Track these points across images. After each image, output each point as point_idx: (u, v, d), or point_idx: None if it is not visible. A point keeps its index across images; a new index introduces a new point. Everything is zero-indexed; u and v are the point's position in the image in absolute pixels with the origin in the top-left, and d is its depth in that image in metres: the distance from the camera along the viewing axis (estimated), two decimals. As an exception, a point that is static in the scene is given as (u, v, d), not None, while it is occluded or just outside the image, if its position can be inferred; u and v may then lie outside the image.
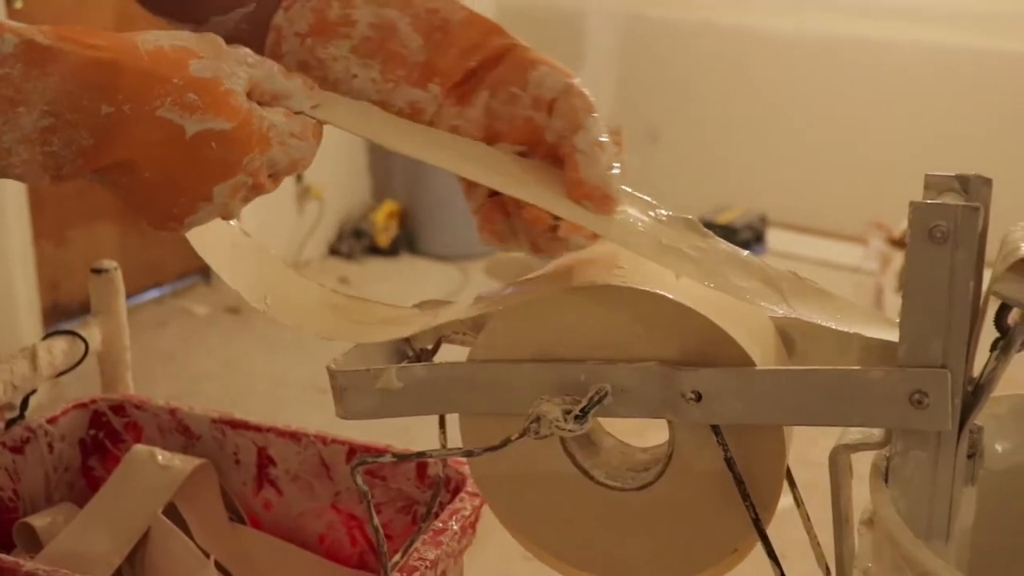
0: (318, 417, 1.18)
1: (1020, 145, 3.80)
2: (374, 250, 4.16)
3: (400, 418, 0.71)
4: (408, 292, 3.36)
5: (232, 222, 0.75)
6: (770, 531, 0.67)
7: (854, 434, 0.68)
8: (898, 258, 3.28)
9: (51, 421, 1.04)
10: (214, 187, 0.63)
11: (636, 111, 4.52)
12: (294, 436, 1.00)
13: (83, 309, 3.87)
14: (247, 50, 0.65)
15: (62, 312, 3.87)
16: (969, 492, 0.69)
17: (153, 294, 3.77)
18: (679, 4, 4.45)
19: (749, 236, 3.94)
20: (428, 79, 0.70)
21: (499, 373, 0.69)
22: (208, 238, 0.75)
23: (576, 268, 0.70)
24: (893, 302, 3.06)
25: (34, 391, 1.05)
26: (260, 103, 0.65)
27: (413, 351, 0.77)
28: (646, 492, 0.69)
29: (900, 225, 3.17)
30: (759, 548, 0.67)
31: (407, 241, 4.21)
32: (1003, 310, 0.62)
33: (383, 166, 4.27)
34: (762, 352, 0.66)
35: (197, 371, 3.24)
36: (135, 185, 0.62)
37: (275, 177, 0.66)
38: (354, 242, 4.17)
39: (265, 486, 1.02)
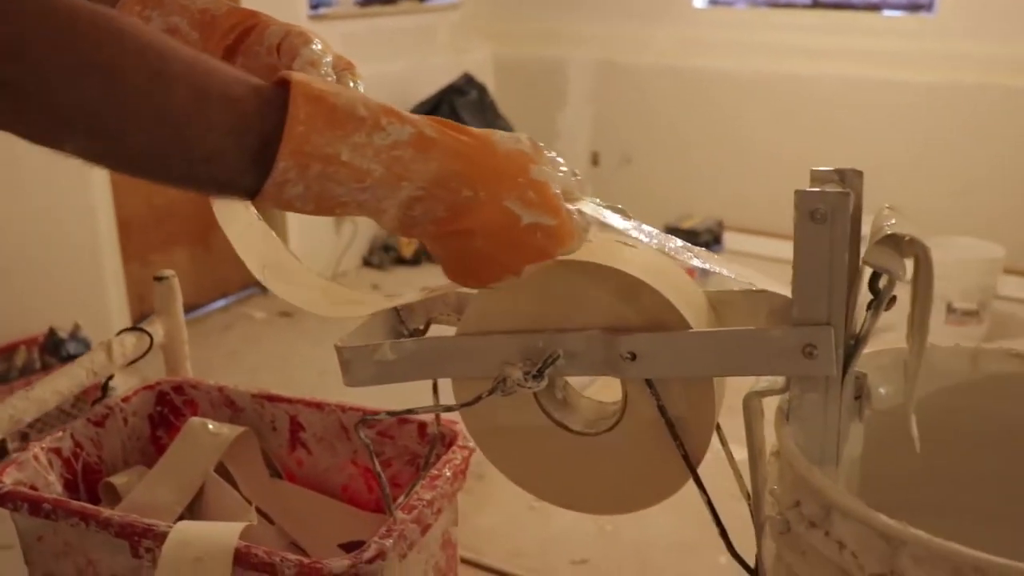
0: (351, 397, 1.18)
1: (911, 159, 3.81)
2: (400, 261, 4.15)
3: (402, 389, 0.71)
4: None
5: (250, 208, 0.75)
6: (706, 471, 0.68)
7: (763, 382, 0.68)
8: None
9: (125, 400, 1.05)
10: (526, 266, 0.62)
11: (612, 140, 4.52)
12: (319, 406, 1.00)
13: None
14: (556, 155, 0.65)
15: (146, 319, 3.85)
16: (857, 427, 0.69)
17: (220, 303, 3.78)
18: (644, 51, 4.45)
19: (709, 238, 3.93)
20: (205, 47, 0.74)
21: (473, 344, 0.70)
22: (230, 217, 0.75)
23: None
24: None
25: (111, 377, 1.06)
26: None
27: (408, 330, 0.77)
28: (605, 437, 0.69)
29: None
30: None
31: (428, 253, 4.20)
32: (875, 277, 0.63)
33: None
34: (695, 317, 0.66)
35: (255, 364, 3.25)
36: (466, 251, 0.62)
37: None
38: (383, 255, 4.17)
39: (297, 447, 1.02)
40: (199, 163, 0.55)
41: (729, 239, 4.06)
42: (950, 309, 3.08)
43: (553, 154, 0.64)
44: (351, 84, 0.75)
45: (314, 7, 4.12)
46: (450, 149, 0.59)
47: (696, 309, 0.67)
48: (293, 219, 3.75)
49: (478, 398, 0.68)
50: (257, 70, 0.71)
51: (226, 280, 3.84)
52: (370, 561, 0.74)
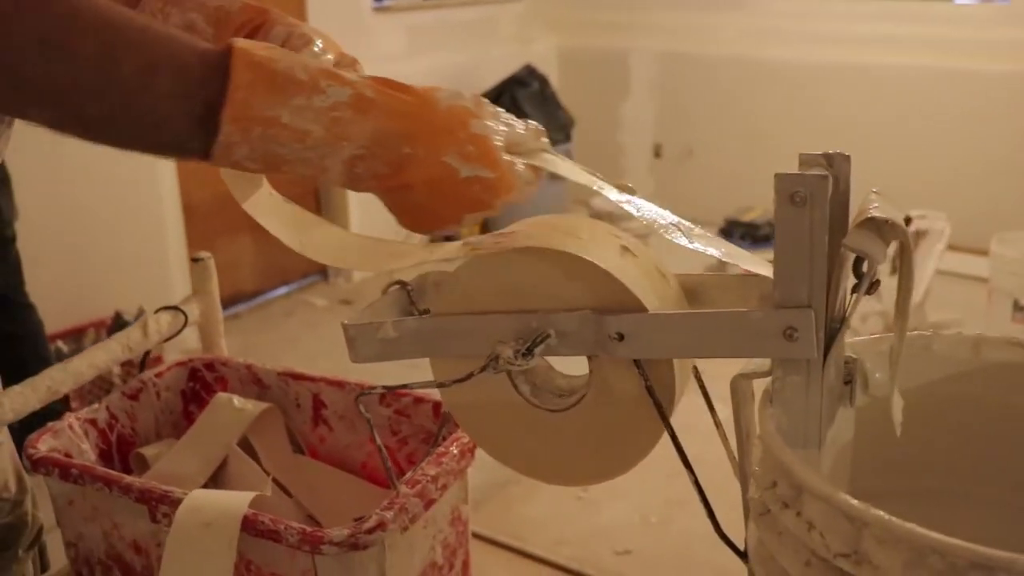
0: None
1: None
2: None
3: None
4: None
5: (271, 192, 0.79)
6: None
7: (751, 365, 0.69)
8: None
9: (158, 375, 1.09)
10: (465, 215, 0.66)
11: (674, 131, 4.49)
12: (340, 384, 1.03)
13: (229, 302, 4.00)
14: (501, 110, 0.68)
15: (212, 305, 3.94)
16: (847, 412, 0.70)
17: (282, 290, 3.86)
18: (708, 41, 4.41)
19: (769, 231, 3.89)
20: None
21: (471, 323, 0.71)
22: (259, 207, 0.78)
23: (539, 232, 0.71)
24: (887, 283, 2.96)
25: (148, 353, 1.11)
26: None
27: (417, 310, 0.79)
28: (572, 412, 0.71)
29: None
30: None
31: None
32: (859, 260, 0.63)
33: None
34: (659, 304, 0.67)
35: (315, 350, 3.31)
36: (408, 203, 0.65)
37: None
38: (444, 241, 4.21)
39: (319, 424, 1.05)
40: (150, 128, 0.59)
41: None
42: (1017, 307, 3.00)
43: (500, 110, 0.67)
44: None
45: (378, 0, 4.17)
46: (389, 108, 0.62)
47: (661, 297, 0.68)
48: (355, 208, 3.82)
49: (470, 375, 0.70)
50: None
51: (288, 268, 3.92)
52: (369, 531, 0.76)
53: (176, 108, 0.59)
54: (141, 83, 0.58)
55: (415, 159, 0.62)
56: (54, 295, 2.96)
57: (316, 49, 0.75)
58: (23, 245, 2.74)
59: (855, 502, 0.55)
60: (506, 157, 0.65)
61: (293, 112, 0.60)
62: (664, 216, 0.71)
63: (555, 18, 4.86)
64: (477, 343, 0.71)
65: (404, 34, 4.26)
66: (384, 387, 0.73)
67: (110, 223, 3.17)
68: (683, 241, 0.69)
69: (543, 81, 4.39)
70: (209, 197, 3.56)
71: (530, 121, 0.70)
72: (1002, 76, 3.73)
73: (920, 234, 3.06)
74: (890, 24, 3.98)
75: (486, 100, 0.66)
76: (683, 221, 0.71)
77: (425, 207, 0.65)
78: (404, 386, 0.72)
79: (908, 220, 3.06)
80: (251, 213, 0.79)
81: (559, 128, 4.33)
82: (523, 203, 0.68)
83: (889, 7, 4.05)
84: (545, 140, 0.70)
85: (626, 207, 0.71)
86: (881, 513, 0.54)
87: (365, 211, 3.75)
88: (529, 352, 0.68)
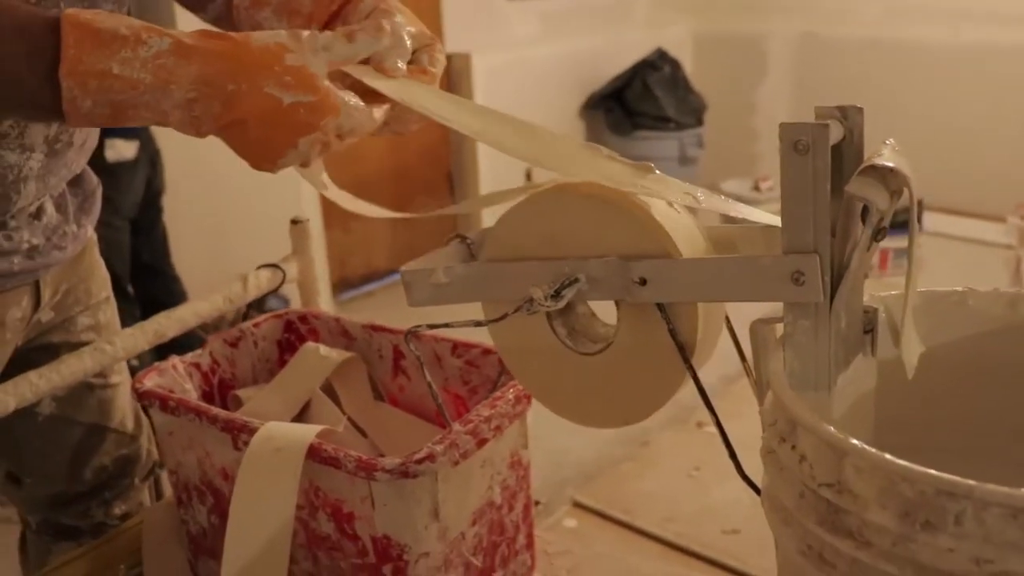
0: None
1: None
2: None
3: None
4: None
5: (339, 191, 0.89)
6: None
7: (768, 310, 0.71)
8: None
9: (256, 326, 1.19)
10: (299, 139, 0.73)
11: (811, 116, 4.39)
12: (417, 336, 1.10)
13: (363, 280, 4.16)
14: (326, 33, 0.75)
15: (347, 283, 4.14)
16: (868, 361, 0.72)
17: (413, 269, 4.00)
18: (846, 21, 4.29)
19: (904, 219, 3.76)
20: (311, 22, 0.88)
21: (512, 269, 0.77)
22: (337, 194, 0.89)
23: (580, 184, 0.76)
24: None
25: (250, 304, 1.21)
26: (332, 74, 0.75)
27: (474, 256, 0.85)
28: (603, 356, 0.75)
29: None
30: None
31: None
32: (866, 208, 0.65)
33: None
34: (692, 252, 0.71)
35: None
36: (245, 138, 0.73)
37: (341, 137, 0.76)
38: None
39: (399, 374, 1.12)
40: (10, 88, 0.69)
41: (930, 220, 3.87)
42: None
43: (338, 35, 0.75)
44: (426, 61, 0.83)
45: (511, -14, 4.25)
46: (208, 52, 0.70)
47: (693, 244, 0.72)
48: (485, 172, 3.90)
49: (504, 315, 0.75)
50: None
51: (421, 248, 4.03)
52: (419, 462, 0.83)
53: (24, 67, 0.68)
54: None
55: (240, 93, 0.70)
56: (196, 268, 3.17)
57: (398, 20, 0.82)
58: (169, 219, 2.94)
59: (837, 432, 0.58)
60: (326, 84, 0.73)
61: (122, 63, 0.68)
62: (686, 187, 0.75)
63: (689, 2, 4.82)
64: (517, 287, 0.76)
65: (538, 20, 4.33)
66: (429, 325, 0.79)
67: (250, 203, 3.36)
68: (701, 197, 0.72)
69: (675, 65, 4.37)
70: (347, 178, 3.69)
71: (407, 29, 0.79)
72: None
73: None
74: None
75: (310, 32, 0.74)
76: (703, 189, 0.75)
77: (261, 138, 0.72)
78: (447, 325, 0.78)
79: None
80: (333, 198, 0.88)
81: (691, 112, 4.31)
82: (363, 130, 0.76)
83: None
84: (406, 61, 0.80)
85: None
86: (857, 442, 0.56)
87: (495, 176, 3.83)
88: (558, 295, 0.73)
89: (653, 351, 0.73)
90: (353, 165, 3.73)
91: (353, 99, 0.75)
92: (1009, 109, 3.84)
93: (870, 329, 0.71)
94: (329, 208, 3.67)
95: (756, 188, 4.25)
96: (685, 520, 2.44)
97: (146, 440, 1.27)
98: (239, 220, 3.38)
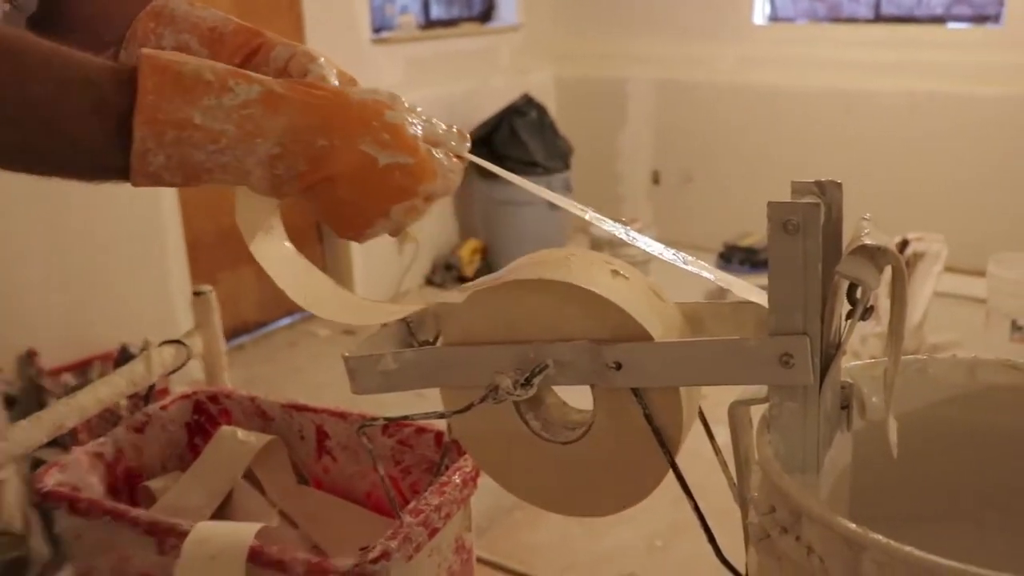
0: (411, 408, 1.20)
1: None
2: (462, 279, 4.20)
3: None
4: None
5: (287, 244, 0.79)
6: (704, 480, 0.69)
7: (748, 392, 0.69)
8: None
9: (164, 408, 1.10)
10: (392, 207, 0.66)
11: (672, 158, 4.52)
12: (342, 415, 1.03)
13: (233, 333, 4.00)
14: (420, 108, 0.69)
15: (215, 337, 3.93)
16: (844, 437, 0.70)
17: (285, 321, 3.87)
18: (704, 69, 4.44)
19: (767, 256, 3.89)
20: (233, 58, 0.77)
21: (469, 354, 0.72)
22: (270, 255, 0.77)
23: (531, 267, 0.72)
24: (884, 305, 2.97)
25: (152, 386, 1.11)
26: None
27: (417, 342, 0.80)
28: (579, 444, 0.71)
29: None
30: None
31: (489, 271, 4.25)
32: (852, 287, 0.63)
33: (467, 210, 4.33)
34: (665, 331, 0.68)
35: (320, 381, 3.31)
36: (333, 201, 0.65)
37: (429, 199, 0.69)
38: (445, 273, 4.23)
39: (323, 455, 1.06)
40: (68, 147, 0.60)
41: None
42: (1015, 327, 3.00)
43: (420, 108, 0.68)
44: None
45: (376, 31, 4.21)
46: (300, 103, 0.62)
47: (667, 324, 0.69)
48: (357, 259, 3.84)
49: (470, 406, 0.70)
50: None
51: (291, 301, 3.93)
52: (374, 561, 0.77)
53: (90, 124, 0.59)
54: (53, 104, 0.58)
55: (332, 150, 0.62)
56: (60, 328, 2.97)
57: (321, 63, 0.76)
58: (30, 279, 2.74)
59: (854, 526, 0.55)
60: (424, 145, 0.66)
61: (204, 112, 0.60)
62: (661, 250, 0.72)
63: (552, 48, 4.90)
64: (477, 374, 0.71)
65: (402, 65, 4.30)
66: (386, 418, 0.73)
67: (114, 256, 3.18)
68: (679, 261, 0.70)
69: (541, 110, 4.42)
70: (212, 229, 3.57)
71: (456, 126, 0.71)
72: (995, 99, 3.76)
73: (917, 256, 3.07)
74: (884, 50, 4.01)
75: (402, 97, 0.67)
76: (679, 253, 0.72)
77: (350, 202, 0.65)
78: (406, 417, 0.73)
79: (906, 243, 3.07)
80: (258, 259, 0.79)
81: (558, 156, 4.36)
82: (448, 193, 0.69)
83: (883, 33, 4.09)
84: (468, 144, 0.71)
85: (618, 233, 0.71)
86: (879, 536, 0.54)
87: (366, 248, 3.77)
88: (528, 382, 0.68)
89: (638, 433, 0.69)
90: (218, 215, 3.59)
91: (447, 160, 0.68)
92: (855, 147, 4.05)
93: (846, 405, 0.70)
94: (196, 260, 3.52)
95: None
96: (582, 568, 2.43)
97: (37, 538, 1.15)
98: (104, 277, 3.19)
